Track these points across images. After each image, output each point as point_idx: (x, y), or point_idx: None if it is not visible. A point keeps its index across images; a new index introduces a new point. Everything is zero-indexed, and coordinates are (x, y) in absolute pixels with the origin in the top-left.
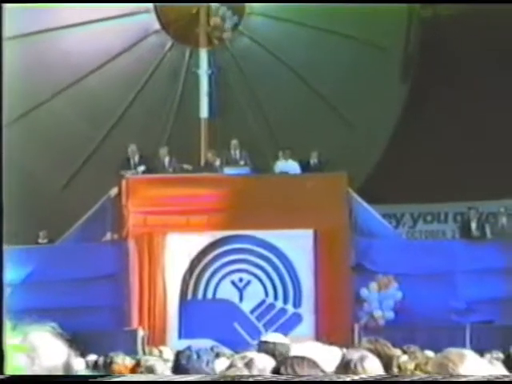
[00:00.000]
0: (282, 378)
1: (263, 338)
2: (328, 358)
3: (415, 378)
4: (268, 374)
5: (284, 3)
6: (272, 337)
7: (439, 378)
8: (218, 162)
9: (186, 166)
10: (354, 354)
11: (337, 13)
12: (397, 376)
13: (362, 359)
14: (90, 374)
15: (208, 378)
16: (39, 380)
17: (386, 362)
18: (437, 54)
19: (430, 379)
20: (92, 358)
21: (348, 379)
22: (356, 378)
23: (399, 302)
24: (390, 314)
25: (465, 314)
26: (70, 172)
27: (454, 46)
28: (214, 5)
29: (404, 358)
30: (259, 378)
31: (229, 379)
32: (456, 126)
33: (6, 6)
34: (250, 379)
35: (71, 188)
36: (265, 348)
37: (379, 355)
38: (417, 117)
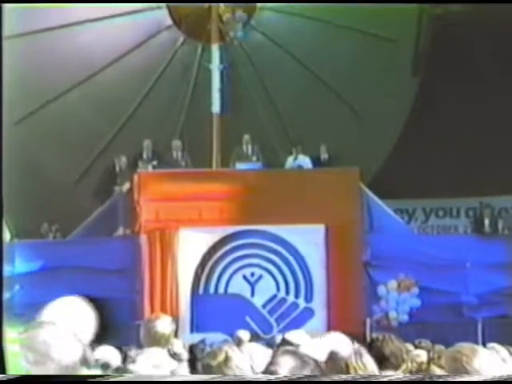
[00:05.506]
0: (283, 378)
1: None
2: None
3: (413, 378)
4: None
5: (293, 3)
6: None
7: (434, 378)
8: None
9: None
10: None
11: (347, 7)
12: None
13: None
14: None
15: (208, 378)
16: (39, 380)
17: (396, 357)
18: (448, 48)
19: (427, 379)
20: (105, 351)
21: (349, 379)
22: (357, 377)
23: (415, 308)
24: (405, 317)
25: (477, 310)
26: (83, 167)
27: (465, 41)
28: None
29: (416, 352)
30: (262, 379)
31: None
32: (467, 121)
33: (7, 6)
34: (252, 379)
35: (84, 183)
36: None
37: (388, 350)
38: (428, 111)
